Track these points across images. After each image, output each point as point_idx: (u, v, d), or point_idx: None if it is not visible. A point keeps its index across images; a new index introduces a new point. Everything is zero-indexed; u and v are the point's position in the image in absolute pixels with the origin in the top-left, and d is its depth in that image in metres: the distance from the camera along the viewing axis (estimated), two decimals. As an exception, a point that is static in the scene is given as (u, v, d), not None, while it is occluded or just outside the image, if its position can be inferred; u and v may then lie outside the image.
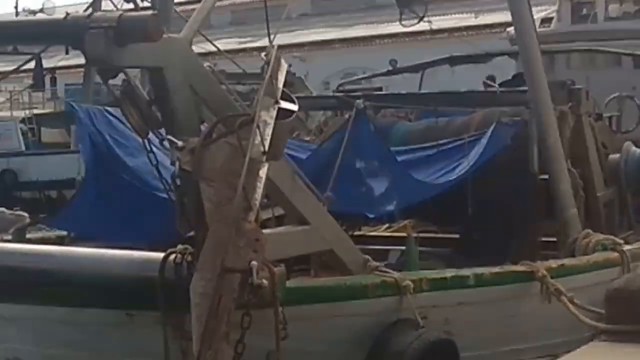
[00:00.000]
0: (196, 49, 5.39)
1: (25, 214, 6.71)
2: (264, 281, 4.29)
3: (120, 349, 5.12)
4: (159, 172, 5.11)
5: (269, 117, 4.70)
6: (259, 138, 4.51)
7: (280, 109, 4.83)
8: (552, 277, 6.01)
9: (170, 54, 4.93)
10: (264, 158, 4.55)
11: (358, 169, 6.93)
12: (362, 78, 15.11)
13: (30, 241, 6.85)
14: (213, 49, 8.00)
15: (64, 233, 7.27)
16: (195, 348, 4.18)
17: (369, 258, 5.68)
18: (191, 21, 5.30)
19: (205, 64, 5.35)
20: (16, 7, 39.87)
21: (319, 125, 9.48)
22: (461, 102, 8.45)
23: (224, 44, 18.69)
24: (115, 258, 4.94)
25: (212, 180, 4.54)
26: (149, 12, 5.35)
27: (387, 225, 8.61)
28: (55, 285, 5.01)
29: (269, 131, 4.64)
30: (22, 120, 26.52)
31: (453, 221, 7.95)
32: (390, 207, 6.75)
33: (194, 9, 5.48)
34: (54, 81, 34.94)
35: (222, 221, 4.37)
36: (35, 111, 29.29)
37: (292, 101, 5.06)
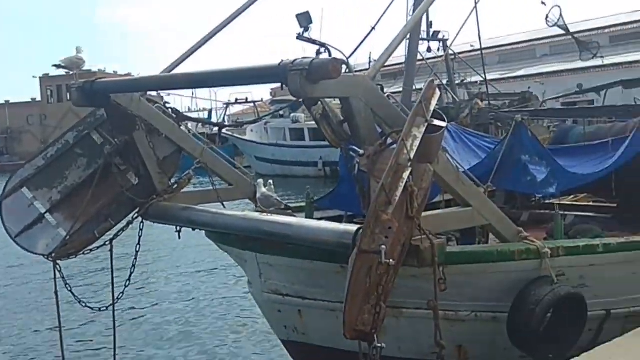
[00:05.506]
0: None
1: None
2: (392, 261, 5.00)
3: (336, 287, 6.24)
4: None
5: (417, 132, 5.49)
6: (406, 148, 5.32)
7: (430, 125, 5.57)
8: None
9: (354, 87, 5.88)
10: (409, 163, 5.29)
11: (524, 163, 8.27)
12: (562, 96, 26.44)
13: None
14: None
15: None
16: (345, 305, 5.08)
17: (522, 230, 6.69)
18: (375, 63, 6.38)
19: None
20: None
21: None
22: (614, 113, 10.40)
23: (491, 75, 30.44)
24: (328, 228, 6.22)
25: (379, 178, 5.45)
26: (334, 57, 5.87)
27: (572, 195, 9.87)
28: (295, 245, 6.56)
29: (416, 143, 5.42)
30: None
31: (611, 196, 9.10)
32: (551, 190, 8.06)
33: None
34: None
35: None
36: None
37: (443, 119, 5.69)
